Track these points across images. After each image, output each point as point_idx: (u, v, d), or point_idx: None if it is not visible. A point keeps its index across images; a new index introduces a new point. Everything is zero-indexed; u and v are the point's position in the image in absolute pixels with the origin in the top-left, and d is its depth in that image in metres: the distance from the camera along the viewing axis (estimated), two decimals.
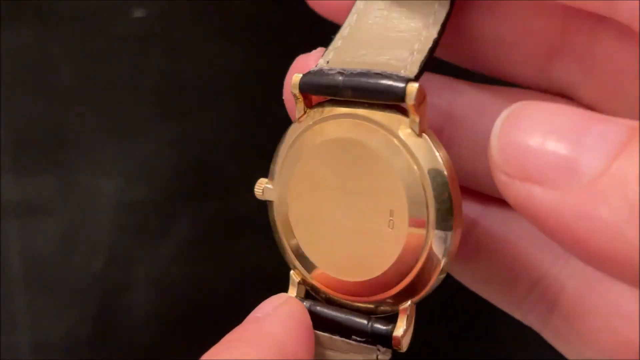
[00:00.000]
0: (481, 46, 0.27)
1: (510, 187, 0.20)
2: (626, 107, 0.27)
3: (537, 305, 0.30)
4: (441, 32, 0.23)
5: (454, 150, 0.29)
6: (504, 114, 0.20)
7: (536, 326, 0.30)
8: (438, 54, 0.28)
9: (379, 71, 0.21)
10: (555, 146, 0.19)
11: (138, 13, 0.40)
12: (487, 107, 0.28)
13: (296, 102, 0.22)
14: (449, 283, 0.41)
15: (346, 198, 0.22)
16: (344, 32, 0.24)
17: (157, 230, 0.42)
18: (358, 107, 0.21)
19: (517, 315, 0.30)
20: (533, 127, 0.20)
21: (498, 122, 0.20)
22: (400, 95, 0.20)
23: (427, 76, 0.29)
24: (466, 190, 0.30)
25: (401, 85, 0.21)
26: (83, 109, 0.41)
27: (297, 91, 0.22)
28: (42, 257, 0.41)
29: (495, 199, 0.30)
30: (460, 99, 0.28)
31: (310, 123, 0.22)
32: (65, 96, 0.41)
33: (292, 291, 0.24)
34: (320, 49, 0.24)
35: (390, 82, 0.21)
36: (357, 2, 0.24)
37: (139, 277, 0.42)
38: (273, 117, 0.43)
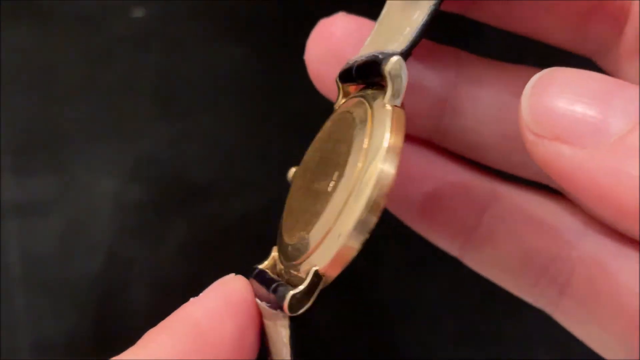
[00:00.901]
0: (519, 5, 0.27)
1: (539, 146, 0.20)
2: None
3: (548, 288, 0.29)
4: (432, 14, 0.23)
5: (458, 121, 0.29)
6: (535, 77, 0.21)
7: (548, 309, 0.30)
8: (471, 14, 0.28)
9: (377, 53, 0.21)
10: (584, 107, 0.19)
11: (138, 13, 0.40)
12: (492, 80, 0.28)
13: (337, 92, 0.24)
14: (448, 283, 0.42)
15: (316, 165, 0.22)
16: (375, 27, 0.24)
17: (157, 230, 0.42)
18: (367, 89, 0.22)
19: (529, 298, 0.30)
20: (563, 90, 0.20)
21: (529, 85, 0.21)
22: (382, 68, 0.21)
23: (433, 46, 0.29)
24: (475, 167, 0.30)
25: (383, 58, 0.21)
26: (83, 109, 0.41)
27: (337, 81, 0.23)
28: (42, 257, 0.41)
29: (503, 180, 0.30)
30: (466, 70, 0.28)
31: (336, 108, 0.23)
32: (65, 96, 0.41)
33: (264, 263, 0.24)
34: (341, 13, 0.25)
35: (377, 59, 0.21)
36: None
37: (139, 277, 0.42)
38: (273, 117, 0.43)
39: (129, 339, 0.28)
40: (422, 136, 0.29)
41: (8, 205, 0.40)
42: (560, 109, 0.20)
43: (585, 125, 0.19)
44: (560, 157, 0.20)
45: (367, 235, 0.19)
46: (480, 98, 0.28)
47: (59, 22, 0.40)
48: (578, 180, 0.19)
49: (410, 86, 0.24)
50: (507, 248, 0.30)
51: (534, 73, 0.28)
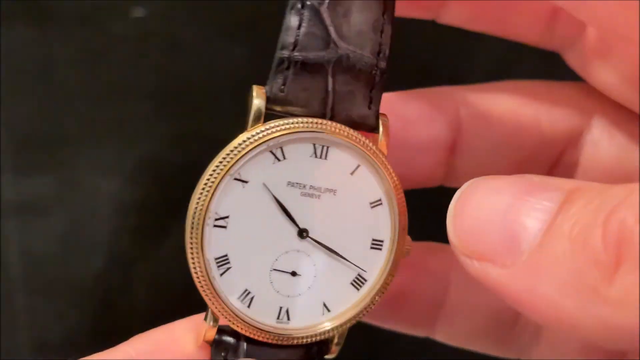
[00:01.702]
0: (488, 7, 0.28)
1: (470, 266, 0.22)
2: (612, 65, 0.28)
3: (521, 335, 0.31)
4: None
5: (469, 157, 0.29)
6: (456, 195, 0.23)
7: (524, 356, 0.31)
8: (442, 19, 0.29)
9: None
10: (498, 227, 0.21)
11: (138, 13, 0.40)
12: (490, 110, 0.29)
13: None
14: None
15: None
16: None
17: (157, 230, 0.42)
18: None
19: (512, 354, 0.32)
20: (479, 210, 0.22)
21: (452, 203, 0.23)
22: None
23: (427, 91, 0.29)
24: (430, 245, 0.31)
25: None
26: (83, 109, 0.41)
27: None
28: (42, 257, 0.41)
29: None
30: (464, 106, 0.29)
31: None
32: (65, 96, 0.41)
33: None
34: None
35: None
36: None
37: (139, 277, 0.42)
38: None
39: (129, 339, 0.28)
40: (433, 185, 0.30)
41: (8, 205, 0.40)
42: (479, 230, 0.22)
43: (502, 245, 0.21)
44: (488, 276, 0.21)
45: None
46: (484, 132, 0.29)
47: (59, 22, 0.40)
48: (507, 297, 0.21)
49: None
50: (476, 313, 0.31)
51: (523, 89, 0.29)
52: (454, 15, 0.30)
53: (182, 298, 0.30)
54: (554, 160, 0.31)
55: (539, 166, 0.31)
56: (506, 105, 0.30)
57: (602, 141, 0.30)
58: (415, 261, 0.30)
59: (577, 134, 0.30)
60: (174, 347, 0.26)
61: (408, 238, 0.27)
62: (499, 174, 0.29)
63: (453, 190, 0.28)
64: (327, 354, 0.28)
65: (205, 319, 0.26)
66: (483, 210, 0.22)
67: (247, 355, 0.26)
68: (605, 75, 0.28)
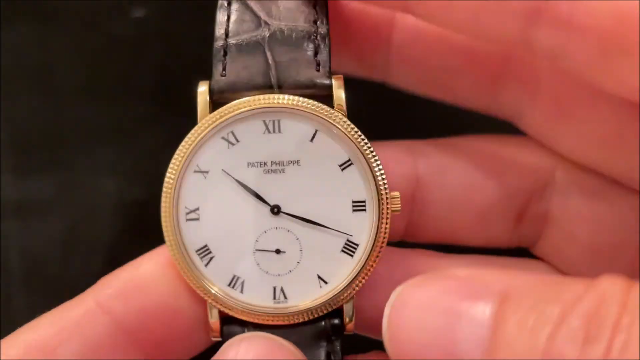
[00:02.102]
0: (432, 73, 0.28)
1: None
2: (571, 130, 0.28)
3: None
4: None
5: (429, 212, 0.29)
6: (392, 296, 0.22)
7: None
8: (392, 80, 0.29)
9: None
10: (439, 351, 0.21)
11: (138, 13, 0.40)
12: (449, 165, 0.29)
13: None
14: None
15: None
16: None
17: (157, 230, 0.42)
18: None
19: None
20: (414, 333, 0.21)
21: (388, 305, 0.22)
22: None
23: (386, 144, 0.29)
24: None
25: None
26: (83, 108, 0.41)
27: None
28: (41, 257, 0.41)
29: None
30: (423, 161, 0.29)
31: None
32: (65, 96, 0.41)
33: None
34: None
35: None
36: None
37: None
38: None
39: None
40: (394, 240, 0.30)
41: (8, 205, 0.40)
42: (419, 355, 0.21)
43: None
44: None
45: None
46: (443, 187, 0.29)
47: (59, 22, 0.40)
48: None
49: None
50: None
51: (484, 141, 0.29)
52: (401, 78, 0.30)
53: None
54: (519, 212, 0.30)
55: (503, 219, 0.30)
56: (466, 159, 0.29)
57: (571, 191, 0.29)
58: None
59: (541, 186, 0.30)
60: (142, 286, 0.26)
61: (395, 194, 0.26)
62: (461, 228, 0.29)
63: (412, 245, 0.29)
64: (344, 331, 0.27)
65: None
66: (418, 333, 0.21)
67: None
68: (563, 139, 0.28)
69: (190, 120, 0.40)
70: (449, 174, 0.29)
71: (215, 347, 0.26)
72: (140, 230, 0.42)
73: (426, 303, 0.21)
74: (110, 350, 0.25)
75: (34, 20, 0.40)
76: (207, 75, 0.28)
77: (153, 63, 0.41)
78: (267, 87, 0.26)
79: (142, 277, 0.26)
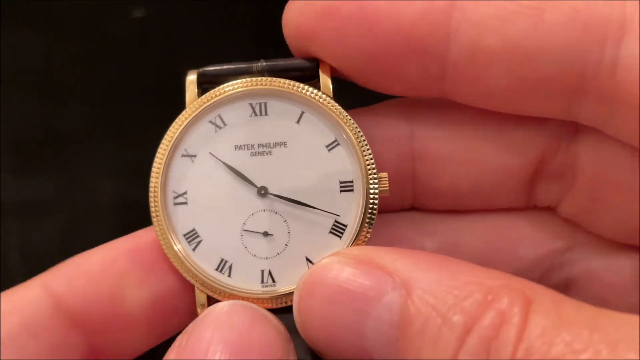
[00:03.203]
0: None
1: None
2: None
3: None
4: None
5: (433, 183, 0.29)
6: (297, 289, 0.23)
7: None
8: (451, 97, 0.27)
9: None
10: (343, 335, 0.22)
11: (138, 13, 0.40)
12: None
13: None
14: None
15: None
16: None
17: None
18: None
19: None
20: (325, 323, 0.22)
21: (295, 299, 0.23)
22: None
23: (384, 106, 0.28)
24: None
25: None
26: (83, 109, 0.41)
27: None
28: (41, 257, 0.41)
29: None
30: (421, 132, 0.28)
31: None
32: (65, 96, 0.41)
33: None
34: None
35: None
36: None
37: None
38: None
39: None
40: (403, 207, 0.29)
41: (8, 205, 0.40)
42: (331, 346, 0.22)
43: (355, 355, 0.21)
44: None
45: None
46: (447, 151, 0.28)
47: (59, 22, 0.40)
48: None
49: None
50: None
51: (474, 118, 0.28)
52: (461, 96, 0.28)
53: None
54: (534, 170, 0.29)
55: (515, 180, 0.29)
56: (467, 125, 0.29)
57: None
58: None
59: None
60: (91, 272, 0.26)
61: (383, 174, 0.26)
62: (470, 195, 0.28)
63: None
64: None
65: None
66: (327, 325, 0.22)
67: None
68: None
69: None
70: (450, 141, 0.28)
71: (167, 344, 0.26)
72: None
73: (333, 296, 0.22)
74: (50, 331, 0.25)
75: (34, 21, 0.40)
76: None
77: (153, 63, 0.41)
78: (254, 72, 0.27)
79: (93, 264, 0.26)
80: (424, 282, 0.21)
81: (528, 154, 0.27)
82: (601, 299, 0.28)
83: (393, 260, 0.22)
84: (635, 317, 0.18)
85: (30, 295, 0.25)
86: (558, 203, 0.29)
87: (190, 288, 0.26)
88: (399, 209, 0.29)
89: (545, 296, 0.20)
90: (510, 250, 0.29)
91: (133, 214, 0.41)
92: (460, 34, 0.24)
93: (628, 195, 0.26)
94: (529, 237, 0.29)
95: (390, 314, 0.21)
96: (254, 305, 0.24)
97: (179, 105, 0.35)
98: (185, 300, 0.26)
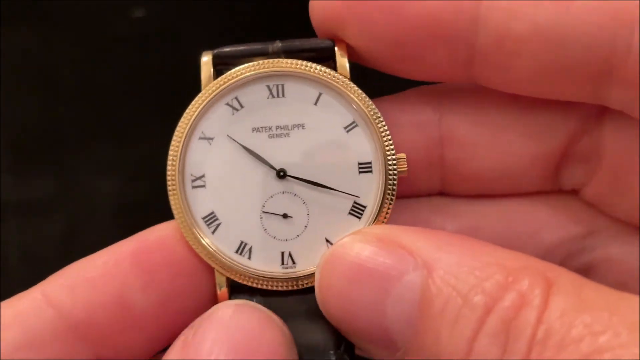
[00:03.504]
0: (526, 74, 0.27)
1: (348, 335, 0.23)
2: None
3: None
4: None
5: (460, 168, 0.28)
6: (321, 261, 0.23)
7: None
8: (480, 83, 0.27)
9: None
10: (370, 323, 0.22)
11: (138, 13, 0.40)
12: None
13: None
14: None
15: None
16: None
17: None
18: None
19: None
20: (346, 303, 0.22)
21: (316, 277, 0.23)
22: None
23: (411, 93, 0.28)
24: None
25: None
26: (83, 109, 0.41)
27: None
28: (41, 257, 0.41)
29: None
30: (448, 117, 0.28)
31: None
32: (65, 96, 0.41)
33: None
34: None
35: None
36: None
37: None
38: None
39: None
40: (432, 192, 0.29)
41: (8, 205, 0.40)
42: (352, 325, 0.22)
43: (377, 341, 0.22)
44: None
45: None
46: (470, 124, 0.28)
47: (59, 22, 0.40)
48: None
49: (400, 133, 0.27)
50: None
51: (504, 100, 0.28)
52: (491, 80, 0.28)
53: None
54: (560, 154, 0.29)
55: (542, 164, 0.29)
56: (496, 109, 0.29)
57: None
58: None
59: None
60: (92, 279, 0.25)
61: (402, 155, 0.26)
62: (497, 180, 0.28)
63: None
64: None
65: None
66: (348, 304, 0.22)
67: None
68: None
69: None
70: (477, 126, 0.28)
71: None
72: (140, 230, 0.42)
73: (354, 274, 0.22)
74: (54, 343, 0.24)
75: (34, 21, 0.40)
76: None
77: (153, 63, 0.41)
78: (270, 53, 0.27)
79: (95, 270, 0.26)
80: (445, 262, 0.21)
81: (555, 138, 0.27)
82: (620, 284, 0.28)
83: (415, 240, 0.22)
84: None
85: (31, 306, 0.25)
86: (583, 186, 0.28)
87: (197, 289, 0.26)
88: (427, 194, 0.29)
89: (566, 278, 0.20)
90: (531, 235, 0.29)
91: (133, 214, 0.41)
92: (489, 20, 0.24)
93: None
94: (550, 221, 0.29)
95: (412, 294, 0.21)
96: (261, 307, 0.24)
97: (179, 105, 0.35)
98: (193, 301, 0.26)
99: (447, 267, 0.20)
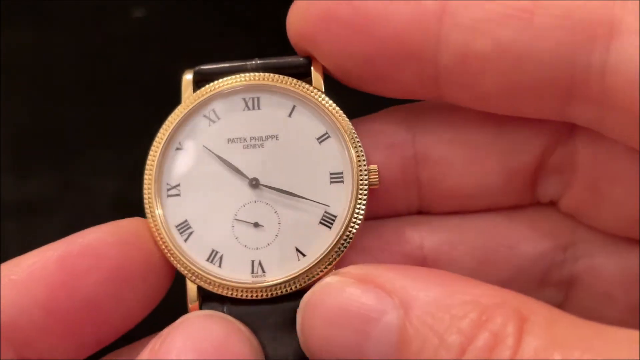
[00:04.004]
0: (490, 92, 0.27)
1: None
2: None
3: None
4: None
5: (438, 186, 0.28)
6: (299, 310, 0.23)
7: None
8: (445, 100, 0.27)
9: None
10: (345, 356, 0.22)
11: (138, 13, 0.40)
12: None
13: None
14: None
15: None
16: None
17: None
18: None
19: None
20: (322, 336, 0.22)
21: (298, 320, 0.23)
22: None
23: (383, 114, 0.28)
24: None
25: None
26: (83, 109, 0.41)
27: None
28: None
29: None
30: (422, 137, 0.28)
31: None
32: (65, 96, 0.41)
33: None
34: None
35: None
36: None
37: None
38: None
39: (129, 338, 0.28)
40: (410, 212, 0.29)
41: (8, 205, 0.40)
42: (327, 354, 0.22)
43: None
44: None
45: None
46: (443, 142, 0.28)
47: (59, 22, 0.40)
48: None
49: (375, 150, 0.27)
50: None
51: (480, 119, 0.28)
52: (454, 98, 0.28)
53: (180, 296, 0.30)
54: (536, 167, 0.29)
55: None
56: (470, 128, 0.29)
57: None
58: None
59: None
60: (18, 281, 0.25)
61: (373, 167, 0.26)
62: (475, 196, 0.28)
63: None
64: None
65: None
66: (329, 347, 0.22)
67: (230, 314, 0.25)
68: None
69: None
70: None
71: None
72: None
73: (333, 317, 0.22)
74: None
75: (34, 21, 0.40)
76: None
77: (153, 63, 0.41)
78: (249, 70, 0.27)
79: (19, 272, 0.26)
80: (422, 300, 0.21)
81: (529, 153, 0.27)
82: (607, 295, 0.28)
83: (392, 278, 0.22)
84: (635, 334, 0.18)
85: None
86: (560, 198, 0.28)
87: (130, 296, 0.26)
88: (407, 213, 0.29)
89: (540, 314, 0.20)
90: (510, 247, 0.29)
91: (133, 214, 0.41)
92: (451, 38, 0.24)
93: (627, 188, 0.26)
94: (529, 234, 0.29)
95: (390, 335, 0.21)
96: (229, 317, 0.24)
97: (179, 105, 0.35)
98: (116, 307, 0.26)
99: (425, 305, 0.21)
